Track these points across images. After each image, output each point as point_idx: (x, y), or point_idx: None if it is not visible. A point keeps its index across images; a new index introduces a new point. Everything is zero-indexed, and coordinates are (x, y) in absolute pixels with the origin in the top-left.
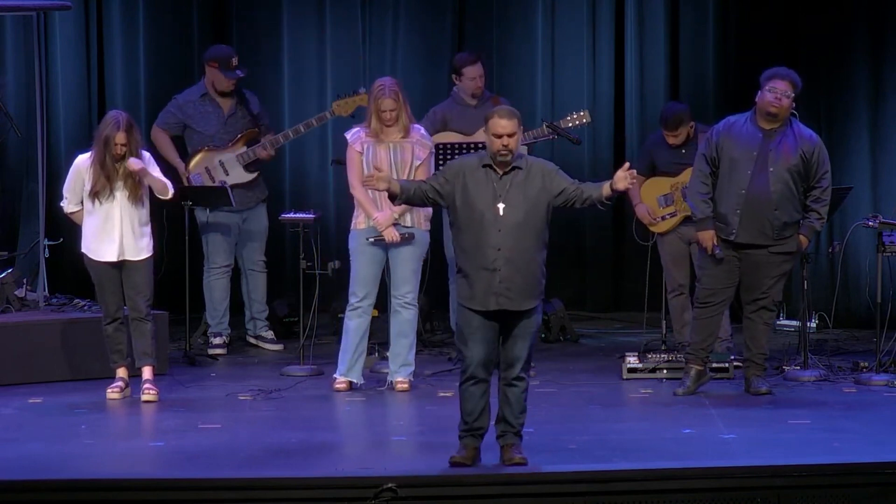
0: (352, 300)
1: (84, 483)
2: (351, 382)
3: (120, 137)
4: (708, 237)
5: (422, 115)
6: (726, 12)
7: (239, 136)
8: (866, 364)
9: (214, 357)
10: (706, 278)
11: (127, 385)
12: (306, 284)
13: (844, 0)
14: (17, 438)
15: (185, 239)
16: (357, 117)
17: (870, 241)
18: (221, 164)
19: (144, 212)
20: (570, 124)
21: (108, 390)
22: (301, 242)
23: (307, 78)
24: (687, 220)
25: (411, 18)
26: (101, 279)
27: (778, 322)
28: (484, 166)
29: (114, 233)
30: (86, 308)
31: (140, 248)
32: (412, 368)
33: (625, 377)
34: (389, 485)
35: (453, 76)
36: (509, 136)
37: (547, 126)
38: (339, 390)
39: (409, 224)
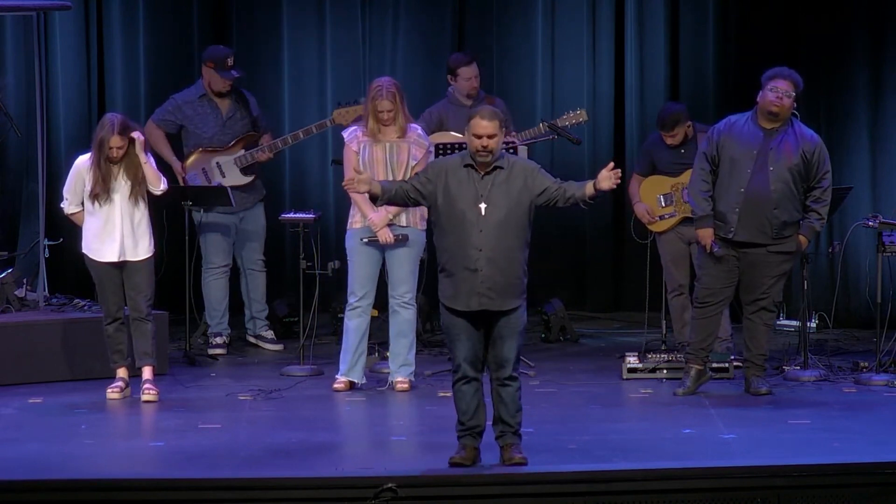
0: (351, 300)
1: (84, 483)
2: (352, 382)
3: (115, 141)
4: (707, 235)
5: (419, 115)
6: (726, 12)
7: (237, 138)
8: (866, 364)
9: (214, 357)
10: (705, 278)
11: (127, 385)
12: (306, 284)
13: (844, 0)
14: (17, 438)
15: (185, 239)
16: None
17: (870, 241)
18: (218, 165)
19: (144, 212)
20: (567, 123)
21: (108, 390)
22: (301, 242)
23: (307, 78)
24: (686, 219)
25: (411, 18)
26: (102, 279)
27: (778, 322)
28: (466, 166)
29: (114, 233)
30: (86, 308)
31: (141, 248)
32: (412, 368)
33: (625, 377)
34: (389, 485)
35: (448, 77)
36: (489, 137)
37: (547, 126)
38: (339, 390)
39: (404, 224)
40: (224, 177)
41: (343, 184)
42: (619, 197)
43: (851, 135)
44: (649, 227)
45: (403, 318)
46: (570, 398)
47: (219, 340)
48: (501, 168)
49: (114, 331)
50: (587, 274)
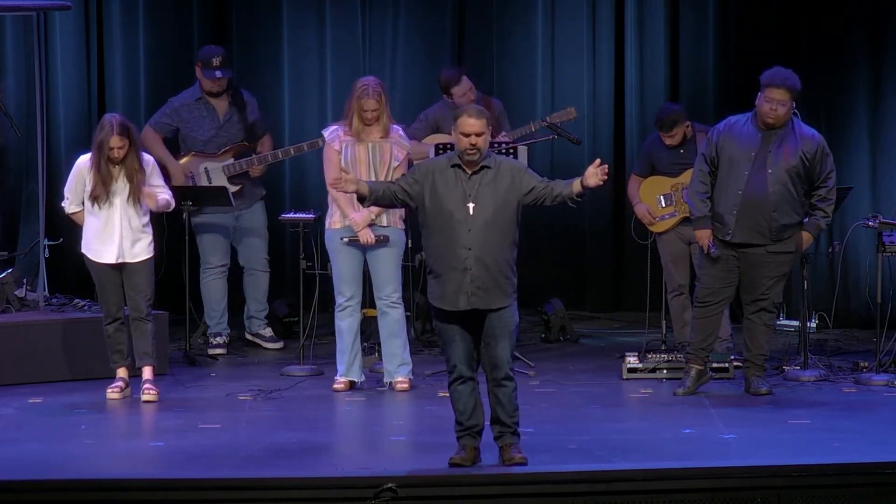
0: (339, 300)
1: (84, 483)
2: (352, 381)
3: (114, 141)
4: (704, 236)
5: (419, 115)
6: (726, 13)
7: (228, 147)
8: (866, 364)
9: (214, 357)
10: (705, 277)
11: (127, 385)
12: (306, 284)
13: (844, 0)
14: (17, 438)
15: (185, 239)
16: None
17: (870, 241)
18: (206, 171)
19: (144, 213)
20: (558, 120)
21: (108, 390)
22: (301, 242)
23: (307, 78)
24: (686, 219)
25: (411, 18)
26: (101, 279)
27: (778, 322)
28: (453, 166)
29: (113, 235)
30: (86, 308)
31: (140, 249)
32: (410, 366)
33: (625, 377)
34: (389, 485)
35: (444, 95)
36: (477, 135)
37: (546, 125)
38: (339, 390)
39: (385, 224)
40: (210, 183)
41: (330, 183)
42: (619, 197)
43: (851, 135)
44: (650, 228)
45: (393, 319)
46: (570, 398)
47: (219, 340)
48: (489, 167)
49: (113, 331)
50: (587, 274)
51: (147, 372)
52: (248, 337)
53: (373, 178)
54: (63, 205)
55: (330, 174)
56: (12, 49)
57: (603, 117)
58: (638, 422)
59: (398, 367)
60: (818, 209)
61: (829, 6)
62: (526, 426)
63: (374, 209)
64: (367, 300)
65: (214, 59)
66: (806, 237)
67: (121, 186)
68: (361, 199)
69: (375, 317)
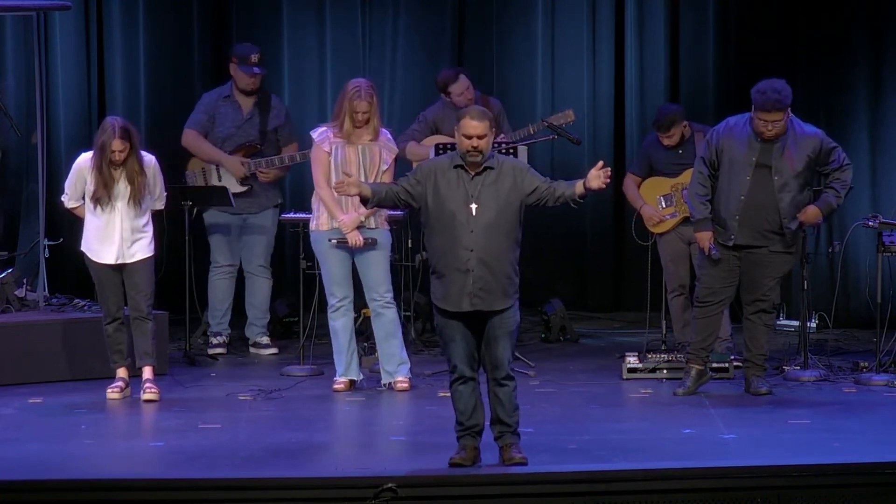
0: (332, 301)
1: (84, 483)
2: (352, 381)
3: (116, 144)
4: (705, 237)
5: (417, 116)
6: (726, 13)
7: (237, 147)
8: (866, 364)
9: (214, 357)
10: (706, 277)
11: (127, 385)
12: (306, 284)
13: (844, 0)
14: (17, 438)
15: (185, 239)
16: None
17: (870, 241)
18: (218, 169)
19: (145, 214)
20: (556, 122)
21: (108, 390)
22: (301, 242)
23: (307, 78)
24: (687, 220)
25: (411, 18)
26: (101, 279)
27: (778, 322)
28: (455, 167)
29: (113, 236)
30: (86, 308)
31: (140, 249)
32: (409, 365)
33: (625, 377)
34: (389, 485)
35: (442, 95)
36: (479, 137)
37: (546, 126)
38: (339, 390)
39: (373, 226)
40: (220, 181)
41: (334, 186)
42: (619, 197)
43: (851, 135)
44: (653, 230)
45: (388, 319)
46: (570, 398)
47: (218, 340)
48: (491, 168)
49: (113, 330)
50: (587, 274)
51: (147, 371)
52: (250, 347)
53: (362, 181)
54: (62, 199)
55: (318, 175)
56: (12, 49)
57: (603, 117)
58: (638, 422)
59: (398, 367)
60: (831, 188)
61: (829, 6)
62: (526, 426)
63: (364, 211)
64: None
65: (253, 56)
66: (812, 210)
67: (122, 188)
68: (364, 202)
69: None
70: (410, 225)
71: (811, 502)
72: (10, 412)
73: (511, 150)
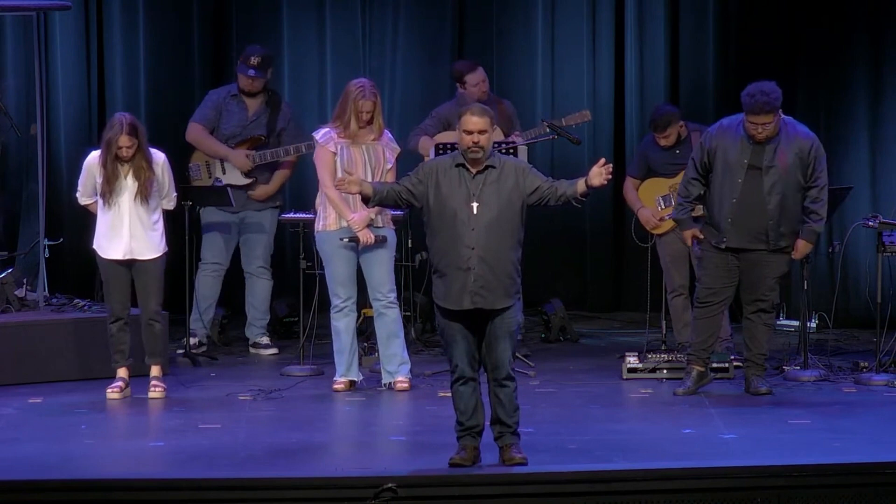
0: (336, 302)
1: (84, 483)
2: (352, 381)
3: (123, 140)
4: (687, 236)
5: (419, 115)
6: (726, 13)
7: (242, 140)
8: (866, 364)
9: (214, 357)
10: (706, 277)
11: (127, 385)
12: (306, 284)
13: (844, 0)
14: (17, 438)
15: (185, 239)
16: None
17: (870, 241)
18: (221, 162)
19: (154, 211)
20: (572, 123)
21: (108, 390)
22: (301, 242)
23: (307, 78)
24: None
25: (411, 18)
26: (109, 277)
27: (778, 322)
28: (457, 166)
29: (122, 231)
30: (86, 308)
31: (149, 246)
32: (409, 365)
33: (625, 377)
34: (389, 485)
35: (457, 84)
36: (480, 133)
37: (548, 125)
38: (339, 390)
39: (380, 225)
40: (224, 174)
41: (335, 183)
42: (619, 197)
43: (851, 135)
44: (652, 231)
45: (391, 319)
46: (570, 398)
47: (193, 341)
48: (493, 167)
49: (117, 330)
50: (587, 274)
51: (155, 370)
52: (250, 348)
53: (368, 180)
54: (77, 195)
55: (325, 175)
56: (12, 49)
57: (603, 117)
58: (638, 422)
59: (398, 367)
60: (812, 212)
61: (829, 6)
62: (526, 426)
63: (374, 210)
64: (367, 300)
65: (253, 58)
66: (802, 245)
67: (129, 184)
68: (366, 200)
69: (373, 317)
70: (411, 225)
71: (811, 502)
72: (10, 412)
73: (511, 150)
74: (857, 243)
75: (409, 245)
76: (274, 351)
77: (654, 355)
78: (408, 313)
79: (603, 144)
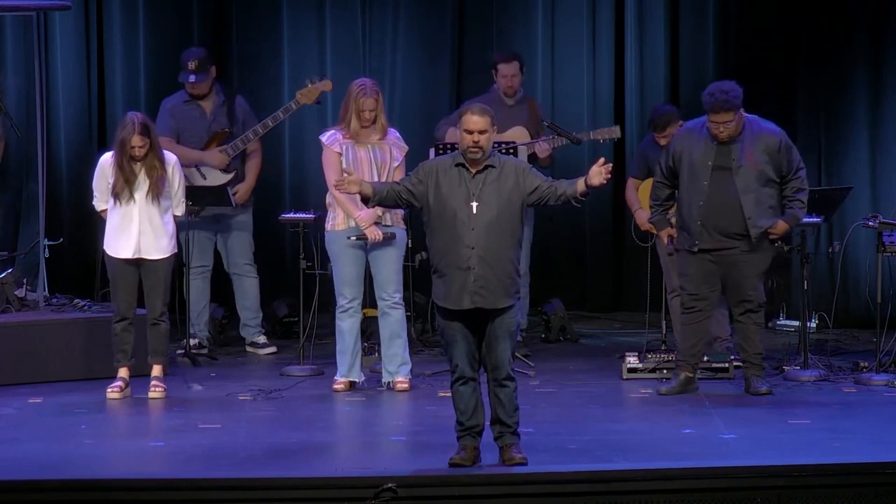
0: (341, 302)
1: (84, 483)
2: (352, 382)
3: (136, 140)
4: (663, 234)
5: (419, 115)
6: (726, 12)
7: (209, 138)
8: (866, 364)
9: (214, 357)
10: (687, 284)
11: (127, 385)
12: (306, 284)
13: (844, 0)
14: (17, 438)
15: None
16: (322, 104)
17: (870, 241)
18: (198, 168)
19: (165, 212)
20: (599, 137)
21: (108, 390)
22: (301, 242)
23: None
24: None
25: (411, 18)
26: (116, 276)
27: (778, 322)
28: (457, 165)
29: (131, 229)
30: (86, 308)
31: (159, 246)
32: (410, 366)
33: (625, 377)
34: (389, 485)
35: (492, 72)
36: (480, 132)
37: (548, 126)
38: (339, 391)
39: (389, 223)
40: (205, 179)
41: (334, 184)
42: (619, 197)
43: (851, 135)
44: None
45: (395, 319)
46: (570, 398)
47: (193, 342)
48: (493, 167)
49: (121, 330)
50: (587, 274)
51: (156, 369)
52: (248, 348)
53: (375, 179)
54: (93, 203)
55: (331, 176)
56: (12, 49)
57: (603, 117)
58: (638, 422)
59: (399, 367)
60: (794, 200)
61: (829, 6)
62: (526, 426)
63: (379, 208)
64: (368, 300)
65: (190, 63)
66: (780, 225)
67: (141, 183)
68: (365, 200)
69: (376, 317)
70: (410, 225)
71: (811, 502)
72: (10, 412)
73: (511, 151)
74: (857, 243)
75: (409, 245)
76: (272, 349)
77: (653, 355)
78: (408, 313)
79: (603, 144)
